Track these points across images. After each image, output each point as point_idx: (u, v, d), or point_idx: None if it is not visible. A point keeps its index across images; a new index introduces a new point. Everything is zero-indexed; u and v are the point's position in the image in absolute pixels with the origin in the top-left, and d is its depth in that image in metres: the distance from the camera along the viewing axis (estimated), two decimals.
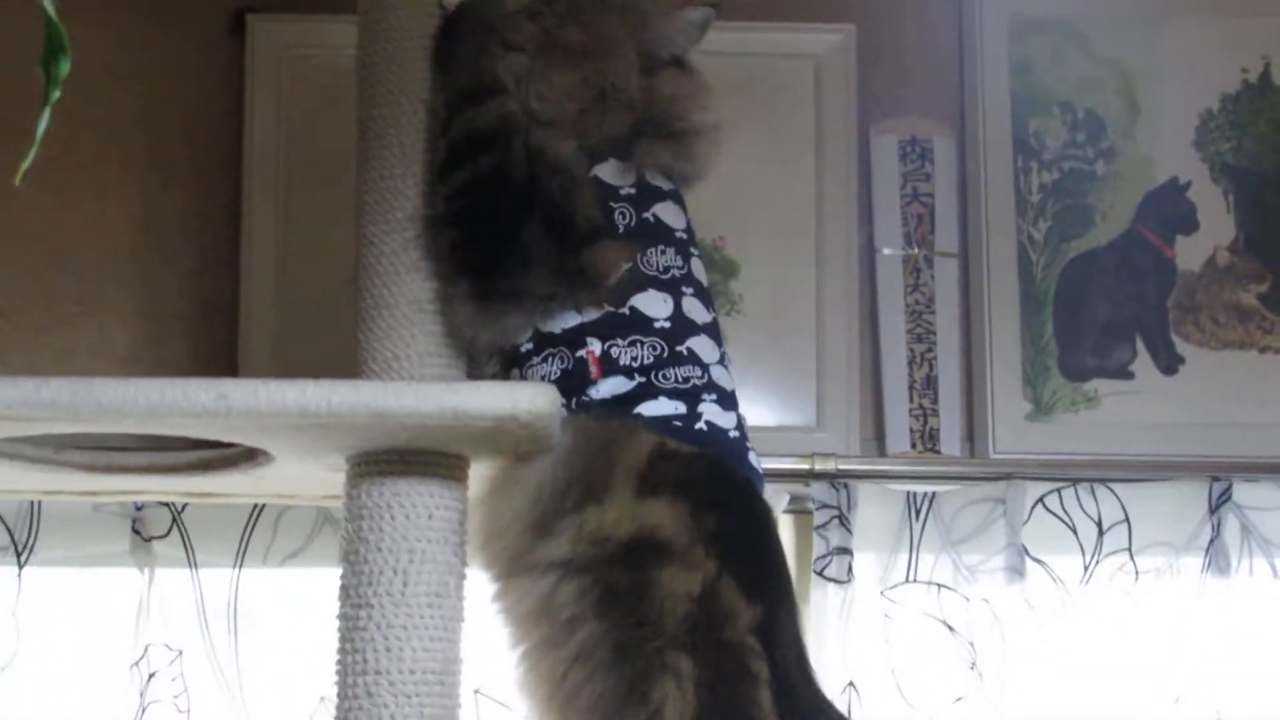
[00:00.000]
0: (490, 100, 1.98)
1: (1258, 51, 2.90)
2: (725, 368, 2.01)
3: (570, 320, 1.94)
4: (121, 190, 2.77)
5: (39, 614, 2.64)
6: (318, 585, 2.48)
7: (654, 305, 1.96)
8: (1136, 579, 2.70)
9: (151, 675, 2.59)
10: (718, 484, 1.91)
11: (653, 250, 1.99)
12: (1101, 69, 2.89)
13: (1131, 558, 2.70)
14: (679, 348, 1.95)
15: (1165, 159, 2.86)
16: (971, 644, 2.65)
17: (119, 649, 2.62)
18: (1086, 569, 2.70)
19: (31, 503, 2.61)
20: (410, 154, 2.01)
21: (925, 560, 2.68)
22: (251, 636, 2.64)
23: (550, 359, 1.94)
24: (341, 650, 1.90)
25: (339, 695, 1.89)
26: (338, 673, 1.90)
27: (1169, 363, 2.80)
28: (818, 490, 2.66)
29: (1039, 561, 2.69)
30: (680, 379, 1.93)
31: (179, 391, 1.75)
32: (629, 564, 1.82)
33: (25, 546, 2.61)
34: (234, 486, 2.27)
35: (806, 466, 2.65)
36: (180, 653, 2.61)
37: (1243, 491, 2.70)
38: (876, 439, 2.78)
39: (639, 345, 1.93)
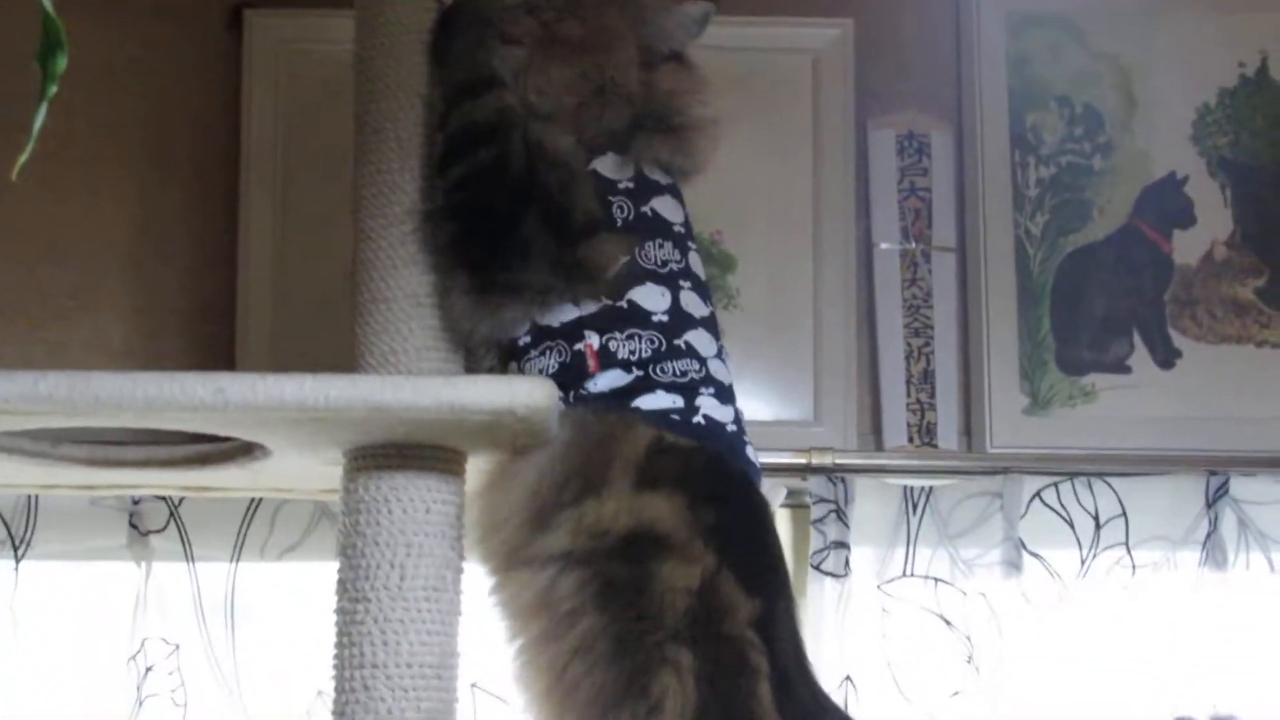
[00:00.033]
0: (488, 94, 1.98)
1: (1255, 46, 2.90)
2: (723, 361, 2.01)
3: (568, 313, 1.94)
4: (119, 185, 2.77)
5: (36, 608, 2.64)
6: (315, 579, 2.48)
7: (652, 299, 1.96)
8: (1133, 573, 2.70)
9: (148, 669, 2.59)
10: (716, 478, 1.91)
11: (650, 244, 1.99)
12: (1099, 64, 2.89)
13: (1128, 552, 2.70)
14: (677, 341, 1.95)
15: (1163, 153, 2.86)
16: (968, 638, 2.65)
17: (116, 643, 2.62)
18: (1083, 563, 2.70)
19: (29, 497, 2.61)
20: (408, 148, 2.01)
21: (922, 554, 2.69)
22: (248, 630, 2.64)
23: (548, 352, 1.94)
24: (339, 644, 1.90)
25: (336, 689, 1.89)
26: (335, 666, 1.90)
27: (1166, 357, 2.80)
28: (815, 484, 2.66)
29: (1036, 556, 2.69)
30: (678, 373, 1.93)
31: (176, 386, 1.75)
32: (628, 557, 1.82)
33: (22, 540, 2.61)
34: (231, 480, 2.27)
35: (804, 461, 2.66)
36: (177, 646, 2.62)
37: (1240, 486, 2.70)
38: (874, 433, 2.78)
39: (637, 339, 1.93)
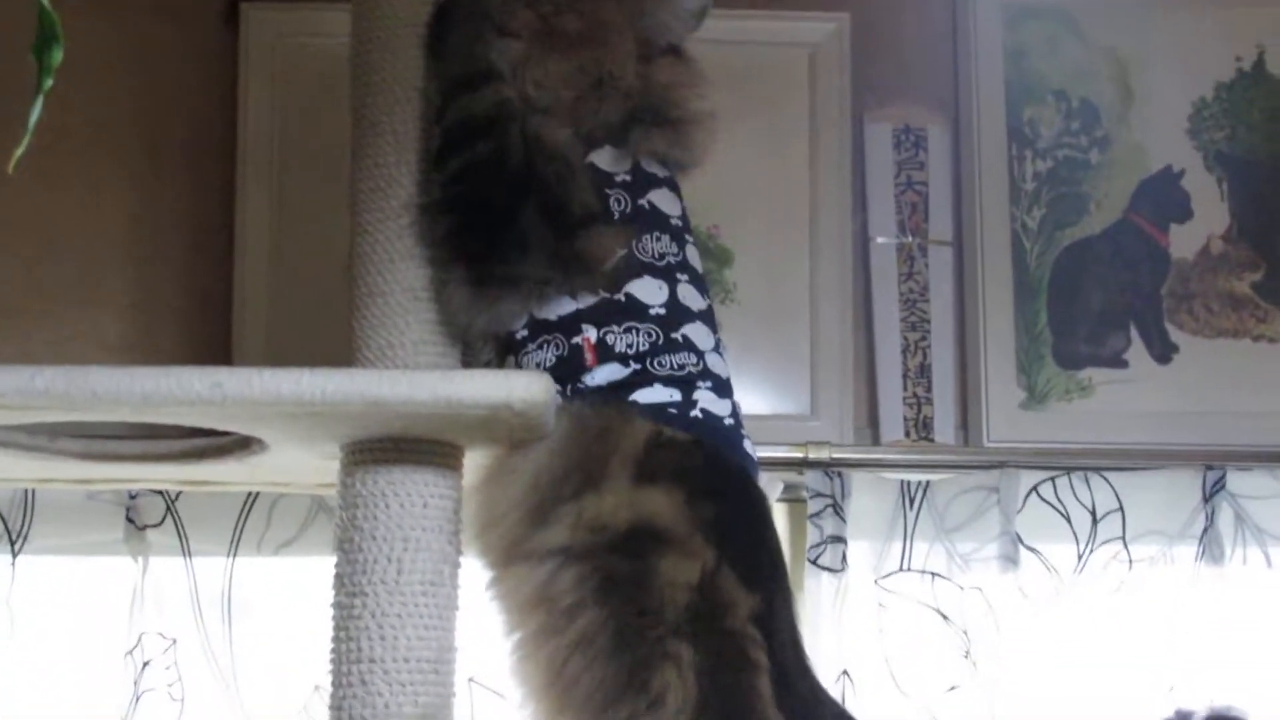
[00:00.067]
0: (485, 87, 1.98)
1: (1252, 40, 2.90)
2: (720, 354, 2.01)
3: (566, 307, 1.94)
4: (115, 179, 2.77)
5: (33, 602, 2.64)
6: (312, 574, 2.48)
7: (649, 292, 1.96)
8: (1130, 568, 2.70)
9: (145, 664, 2.59)
10: (714, 473, 1.91)
11: (648, 237, 1.99)
12: (1096, 57, 2.89)
13: (1125, 546, 2.70)
14: (674, 334, 1.95)
15: (1159, 147, 2.87)
16: (965, 633, 2.65)
17: (113, 637, 2.61)
18: (1080, 558, 2.70)
19: (26, 491, 2.61)
20: (404, 142, 2.01)
21: (919, 549, 2.69)
22: (246, 625, 2.64)
23: (545, 346, 1.94)
24: (336, 639, 1.90)
25: (333, 684, 1.89)
26: (332, 661, 1.90)
27: (1163, 351, 2.80)
28: (812, 478, 2.66)
29: (1033, 550, 2.69)
30: (675, 366, 1.93)
31: (174, 380, 1.75)
32: (628, 552, 1.82)
33: (19, 535, 2.61)
34: (228, 474, 2.27)
35: (800, 455, 2.66)
36: (174, 641, 2.61)
37: (1236, 480, 2.71)
38: (871, 427, 2.78)
39: (634, 332, 1.93)
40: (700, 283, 2.03)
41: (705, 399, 1.94)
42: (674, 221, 2.03)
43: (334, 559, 1.93)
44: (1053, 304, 2.81)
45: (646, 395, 1.91)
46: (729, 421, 1.96)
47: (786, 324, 2.77)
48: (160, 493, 2.60)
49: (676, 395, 1.92)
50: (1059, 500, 2.70)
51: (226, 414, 1.83)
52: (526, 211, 1.92)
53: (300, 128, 2.75)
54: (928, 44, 2.91)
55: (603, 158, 2.01)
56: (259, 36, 2.77)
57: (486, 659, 2.26)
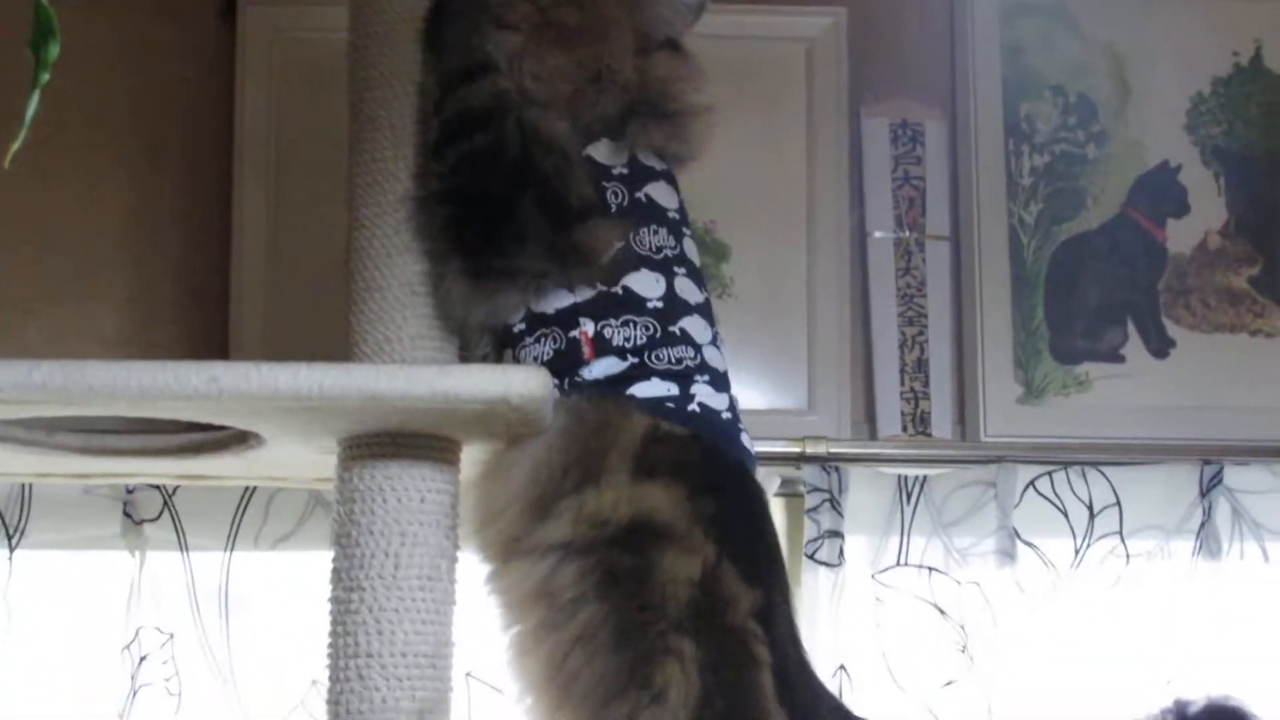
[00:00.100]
0: (483, 79, 1.97)
1: (1249, 34, 2.90)
2: (717, 348, 2.01)
3: (563, 300, 1.94)
4: (112, 174, 2.77)
5: (30, 597, 2.64)
6: (309, 568, 2.49)
7: (647, 285, 1.96)
8: (1127, 562, 2.71)
9: (143, 658, 2.59)
10: (712, 467, 1.91)
11: (645, 230, 1.98)
12: (1093, 52, 2.89)
13: (1122, 541, 2.70)
14: (672, 328, 1.95)
15: (1156, 142, 2.87)
16: (963, 627, 2.65)
17: (110, 632, 2.61)
18: (1077, 552, 2.70)
19: (23, 485, 2.61)
20: (402, 136, 2.00)
21: (916, 543, 2.69)
22: (243, 620, 2.64)
23: (543, 339, 1.94)
24: (333, 633, 1.90)
25: (330, 678, 1.89)
26: (329, 656, 1.90)
27: (1160, 346, 2.80)
28: (809, 473, 2.66)
29: (1030, 545, 2.69)
30: (673, 360, 1.93)
31: (170, 374, 1.75)
32: (629, 547, 1.82)
33: (16, 529, 2.61)
34: (225, 469, 2.27)
35: (798, 449, 2.66)
36: (171, 636, 2.61)
37: (1234, 475, 2.71)
38: (868, 422, 2.78)
39: (632, 325, 1.93)
40: (698, 276, 2.03)
41: (703, 393, 1.94)
42: (671, 215, 2.02)
43: (331, 553, 1.93)
44: (1050, 299, 2.81)
45: (644, 389, 1.91)
46: (726, 415, 1.96)
47: (783, 319, 2.77)
48: (157, 487, 2.60)
49: (674, 389, 1.92)
50: (1056, 495, 2.71)
51: (223, 408, 1.83)
52: (524, 203, 1.92)
53: (297, 123, 2.75)
54: (925, 39, 2.91)
55: (600, 151, 2.01)
56: (256, 32, 2.77)
57: (484, 654, 2.26)
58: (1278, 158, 2.88)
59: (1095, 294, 2.82)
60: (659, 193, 2.02)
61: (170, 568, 2.63)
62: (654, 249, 1.98)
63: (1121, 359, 2.80)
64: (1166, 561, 2.71)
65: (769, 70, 2.83)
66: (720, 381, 1.98)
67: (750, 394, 2.66)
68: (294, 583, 2.64)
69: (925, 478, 2.70)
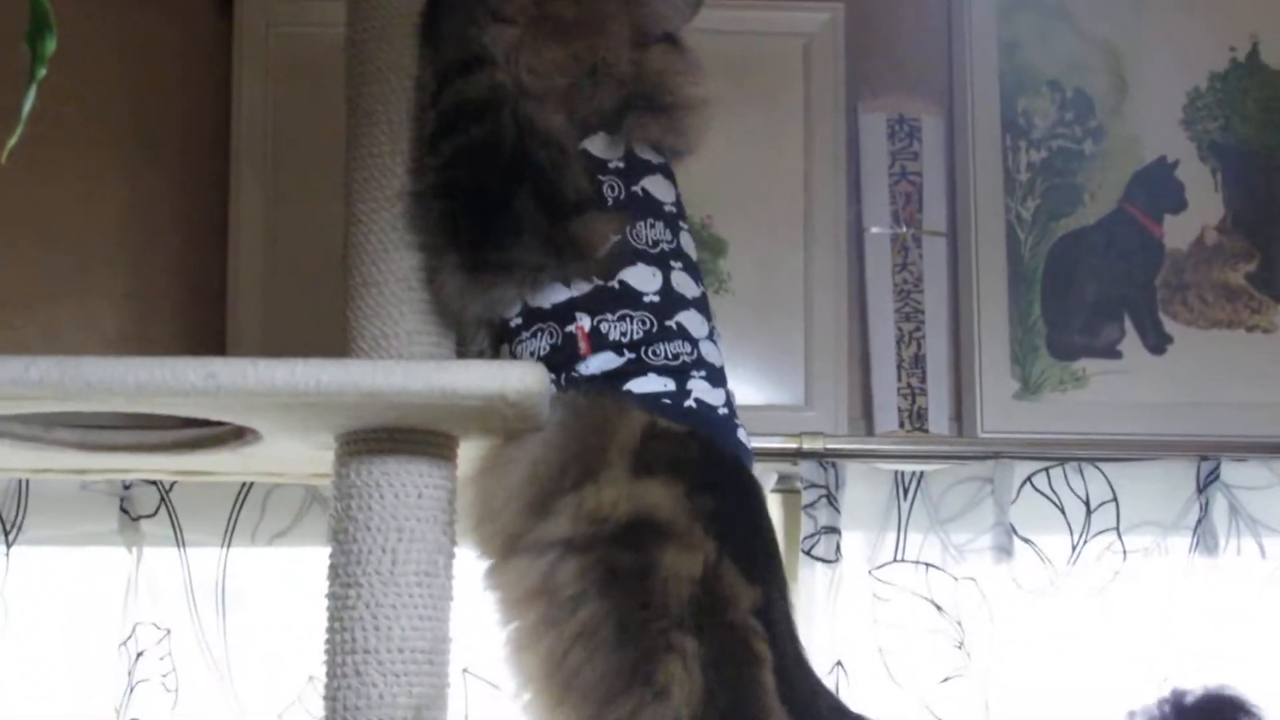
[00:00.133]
0: (480, 71, 1.97)
1: (1246, 30, 2.90)
2: (714, 343, 2.01)
3: (559, 294, 1.94)
4: (109, 169, 2.76)
5: (27, 593, 2.64)
6: (306, 564, 2.48)
7: (643, 279, 1.96)
8: (1124, 558, 2.71)
9: (139, 654, 2.59)
10: (710, 464, 1.91)
11: (642, 224, 1.98)
12: (1090, 48, 2.89)
13: (1119, 537, 2.70)
14: (668, 322, 1.95)
15: (1153, 138, 2.86)
16: (959, 623, 2.65)
17: (107, 628, 2.61)
18: (1074, 548, 2.70)
19: (19, 481, 2.60)
20: (399, 131, 2.00)
21: (913, 540, 2.68)
22: (240, 616, 2.64)
23: (539, 334, 1.94)
24: (330, 629, 1.90)
25: (327, 674, 1.89)
26: (326, 652, 1.90)
27: (1157, 342, 2.80)
28: (806, 469, 2.66)
29: (1027, 541, 2.69)
30: (670, 356, 1.93)
31: (168, 370, 1.75)
32: (630, 544, 1.82)
33: (13, 525, 2.61)
34: (222, 465, 2.27)
35: (794, 445, 2.65)
36: (168, 632, 2.61)
37: (1230, 471, 2.71)
38: (864, 418, 2.78)
39: (628, 320, 1.93)
40: (694, 270, 2.03)
41: (699, 388, 1.94)
42: (668, 208, 2.02)
43: (328, 549, 1.93)
44: (1047, 295, 2.81)
45: (640, 385, 1.91)
46: (722, 411, 1.96)
47: (780, 314, 2.77)
48: (154, 483, 2.60)
49: (670, 385, 1.92)
50: (1053, 491, 2.71)
51: (220, 404, 1.83)
52: (520, 196, 1.91)
53: (294, 117, 2.74)
54: (922, 35, 2.90)
55: (596, 144, 2.01)
56: (253, 26, 2.77)
57: (481, 649, 2.26)
58: (1275, 153, 2.88)
59: (1092, 290, 2.82)
60: (656, 187, 2.02)
61: (167, 564, 2.63)
62: (650, 243, 1.98)
63: (1118, 355, 2.80)
64: (1163, 557, 2.71)
65: (766, 65, 2.83)
66: (716, 377, 1.98)
67: (747, 390, 2.66)
68: (291, 579, 2.64)
69: (922, 474, 2.70)
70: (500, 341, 1.98)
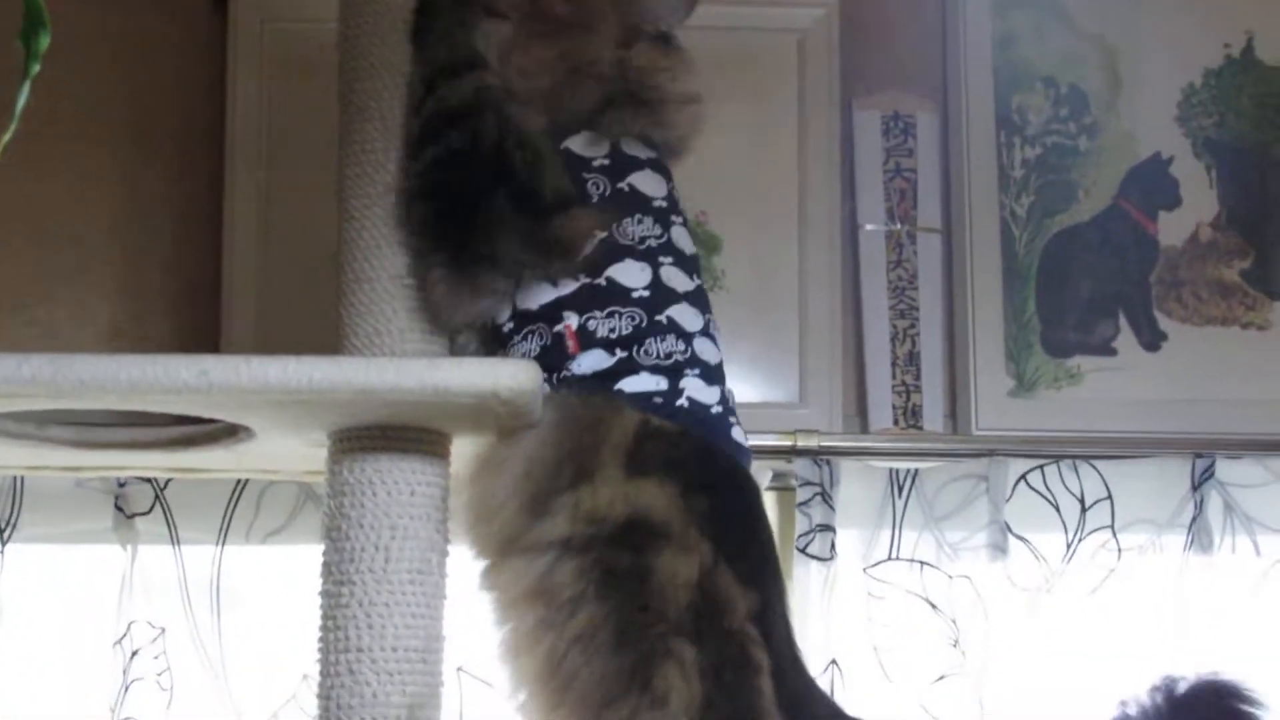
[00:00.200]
0: (468, 74, 1.97)
1: (1241, 26, 2.90)
2: (710, 337, 2.01)
3: (547, 294, 1.94)
4: (102, 166, 2.76)
5: (21, 591, 2.64)
6: (300, 562, 2.48)
7: (631, 275, 1.96)
8: (1119, 556, 2.70)
9: (134, 653, 2.58)
10: (703, 464, 1.91)
11: (629, 220, 1.98)
12: (1084, 44, 2.88)
13: (1114, 535, 2.70)
14: (659, 317, 1.94)
15: (1148, 134, 2.86)
16: (954, 622, 2.65)
17: (102, 626, 2.61)
18: (1069, 546, 2.70)
19: (14, 479, 2.60)
20: (391, 128, 2.00)
21: (908, 537, 2.68)
22: (234, 614, 2.64)
23: (530, 336, 1.94)
24: (323, 627, 1.90)
25: (321, 673, 1.89)
26: (320, 650, 1.90)
27: (1152, 339, 2.80)
28: (800, 467, 2.66)
29: (1021, 539, 2.69)
30: (662, 354, 1.93)
31: (160, 368, 1.75)
32: (627, 546, 1.81)
33: (8, 523, 2.60)
34: (216, 462, 2.27)
35: (789, 443, 2.65)
36: (163, 630, 2.61)
37: (1225, 468, 2.71)
38: (859, 415, 2.78)
39: (617, 316, 1.93)
40: (688, 264, 2.02)
41: (692, 387, 1.93)
42: (658, 203, 2.02)
43: (322, 547, 1.93)
44: (1041, 292, 2.80)
45: (632, 384, 1.91)
46: (717, 410, 1.96)
47: (775, 311, 2.77)
48: (149, 480, 2.60)
49: (663, 384, 1.92)
50: (1048, 489, 2.70)
51: (213, 402, 1.83)
52: (498, 198, 1.91)
53: (289, 114, 2.74)
54: (917, 31, 2.90)
55: (578, 143, 2.01)
56: (247, 21, 2.76)
57: (475, 648, 2.26)
58: (1269, 150, 2.88)
59: (1087, 287, 2.81)
60: (644, 182, 2.02)
61: (162, 562, 2.62)
62: (638, 239, 1.97)
63: (1113, 352, 2.79)
64: (1158, 555, 2.71)
65: (760, 62, 2.83)
66: (712, 374, 1.97)
67: (741, 387, 2.64)
68: (286, 577, 2.64)
69: (917, 471, 2.70)
70: (494, 346, 1.98)
